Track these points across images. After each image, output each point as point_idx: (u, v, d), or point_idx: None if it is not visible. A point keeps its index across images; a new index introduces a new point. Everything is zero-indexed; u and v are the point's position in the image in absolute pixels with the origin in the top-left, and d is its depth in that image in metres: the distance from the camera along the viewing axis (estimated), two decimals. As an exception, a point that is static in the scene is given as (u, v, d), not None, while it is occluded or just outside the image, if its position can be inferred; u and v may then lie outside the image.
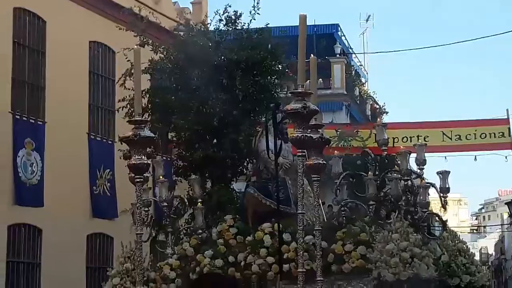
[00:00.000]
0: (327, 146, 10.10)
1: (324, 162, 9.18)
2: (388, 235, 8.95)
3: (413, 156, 12.13)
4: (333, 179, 11.04)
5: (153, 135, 7.54)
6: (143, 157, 7.56)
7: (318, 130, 7.10)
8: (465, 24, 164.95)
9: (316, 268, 7.82)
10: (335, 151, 11.62)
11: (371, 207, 10.22)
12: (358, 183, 11.11)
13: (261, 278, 10.13)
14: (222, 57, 15.54)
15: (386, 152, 11.19)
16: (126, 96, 16.36)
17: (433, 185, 11.65)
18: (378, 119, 12.21)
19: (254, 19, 16.17)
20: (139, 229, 8.29)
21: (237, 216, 11.71)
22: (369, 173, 10.37)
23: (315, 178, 8.37)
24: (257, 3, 16.19)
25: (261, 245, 10.45)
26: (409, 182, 10.59)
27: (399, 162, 11.34)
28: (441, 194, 11.68)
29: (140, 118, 7.42)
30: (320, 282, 7.78)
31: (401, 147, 12.24)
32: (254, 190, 11.36)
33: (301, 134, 7.20)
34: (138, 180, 7.81)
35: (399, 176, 10.31)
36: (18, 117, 18.61)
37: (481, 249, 64.28)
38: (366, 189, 10.31)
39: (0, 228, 17.58)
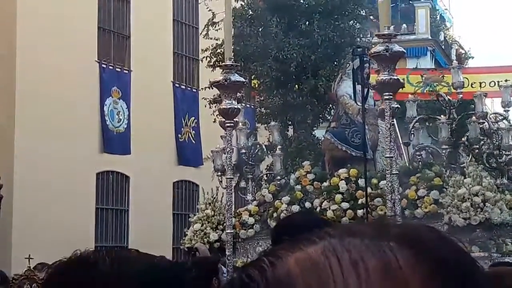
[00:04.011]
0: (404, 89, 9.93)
1: (398, 106, 9.09)
2: (460, 179, 8.75)
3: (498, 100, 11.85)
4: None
5: (243, 80, 7.53)
6: (233, 101, 7.59)
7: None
8: None
9: (396, 210, 7.77)
10: (409, 95, 11.37)
11: (444, 151, 10.02)
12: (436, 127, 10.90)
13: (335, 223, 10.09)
14: (302, 2, 15.39)
15: (462, 95, 10.90)
16: (209, 46, 16.46)
17: (517, 127, 11.33)
18: (454, 62, 11.80)
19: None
20: (229, 174, 8.37)
21: (314, 162, 11.68)
22: (442, 116, 10.14)
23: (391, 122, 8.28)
24: None
25: (336, 191, 10.40)
26: (486, 125, 10.30)
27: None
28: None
29: (230, 63, 7.44)
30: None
31: (472, 91, 11.86)
32: (331, 136, 11.26)
33: (387, 77, 7.09)
34: (229, 125, 7.87)
35: (474, 119, 10.05)
36: (104, 66, 18.93)
37: None
38: (439, 133, 10.10)
39: (89, 175, 18.03)
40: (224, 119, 7.98)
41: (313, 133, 15.92)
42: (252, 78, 16.73)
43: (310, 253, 0.77)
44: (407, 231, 0.79)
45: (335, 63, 15.16)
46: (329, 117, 15.20)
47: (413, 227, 0.81)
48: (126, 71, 19.44)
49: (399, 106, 9.58)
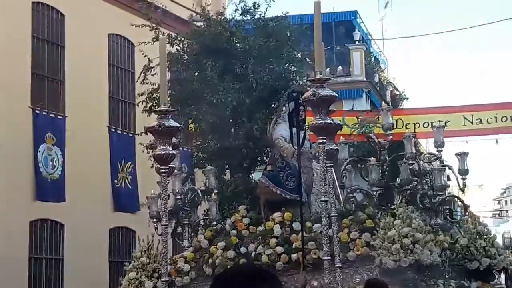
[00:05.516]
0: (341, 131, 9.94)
1: (337, 148, 9.09)
2: (390, 221, 8.76)
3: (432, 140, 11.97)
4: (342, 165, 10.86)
5: (178, 125, 7.43)
6: (168, 147, 7.46)
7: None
8: (486, 7, 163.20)
9: (336, 254, 7.70)
10: (341, 137, 11.43)
11: (374, 192, 10.05)
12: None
13: (270, 268, 10.00)
14: (237, 46, 15.42)
15: (391, 137, 10.99)
16: (145, 91, 16.34)
17: (449, 167, 11.44)
18: (383, 105, 11.91)
19: (270, 6, 16.05)
20: (164, 220, 8.20)
21: (249, 206, 11.60)
22: (372, 158, 10.20)
23: (328, 164, 8.27)
24: None
25: (271, 235, 10.32)
26: (415, 166, 10.38)
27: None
28: (460, 176, 11.45)
29: (165, 108, 7.33)
30: (339, 268, 7.65)
31: (405, 132, 11.97)
32: (266, 179, 11.22)
33: (319, 121, 7.07)
34: (163, 170, 7.73)
35: (404, 160, 10.12)
36: (38, 111, 18.60)
37: (503, 233, 63.53)
38: (369, 175, 10.14)
39: (22, 224, 17.58)
40: (159, 165, 7.85)
41: (251, 176, 15.84)
42: (190, 122, 16.63)
43: None
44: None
45: (272, 106, 15.16)
46: (267, 160, 15.17)
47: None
48: (61, 117, 19.13)
49: (338, 148, 9.58)
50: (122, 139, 20.78)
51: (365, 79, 29.69)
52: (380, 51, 34.91)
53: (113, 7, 21.01)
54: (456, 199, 13.07)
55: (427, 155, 12.41)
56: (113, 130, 20.70)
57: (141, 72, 16.56)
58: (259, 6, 16.18)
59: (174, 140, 8.67)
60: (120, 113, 21.16)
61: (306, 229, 9.73)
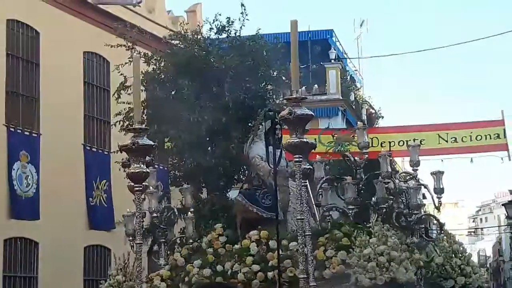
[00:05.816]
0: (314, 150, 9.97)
1: (311, 167, 9.14)
2: (366, 239, 8.82)
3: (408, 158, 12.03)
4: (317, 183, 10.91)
5: (152, 143, 7.43)
6: (141, 165, 7.45)
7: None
8: (461, 26, 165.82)
9: (311, 273, 7.73)
10: (317, 156, 11.49)
11: (350, 211, 10.11)
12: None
13: (246, 286, 10.03)
14: (213, 65, 15.44)
15: (367, 155, 11.06)
16: (122, 110, 16.30)
17: (425, 186, 11.50)
18: (358, 123, 11.99)
19: (244, 26, 16.09)
20: (139, 239, 8.17)
21: (226, 224, 11.61)
22: (348, 177, 10.28)
23: (303, 183, 8.30)
24: (244, 9, 16.09)
25: (247, 253, 10.34)
26: (391, 185, 10.46)
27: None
28: (435, 195, 11.53)
29: (139, 127, 7.33)
30: (314, 287, 7.67)
31: (381, 151, 12.03)
32: (242, 198, 11.27)
33: (296, 140, 7.12)
34: (137, 189, 7.71)
35: (380, 179, 10.19)
36: (12, 129, 18.51)
37: (479, 251, 63.81)
38: (345, 193, 10.23)
39: (-4, 242, 17.48)
40: (132, 183, 7.83)
41: (227, 195, 15.83)
42: (166, 141, 16.60)
43: None
44: None
45: (248, 124, 15.18)
46: (243, 179, 15.17)
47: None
48: (35, 135, 19.05)
49: (311, 167, 9.64)
50: (97, 157, 20.71)
51: (341, 97, 29.83)
52: (356, 70, 35.12)
53: (88, 25, 21.01)
54: (431, 217, 13.14)
55: (403, 174, 12.46)
56: (88, 148, 20.63)
57: (116, 90, 16.50)
58: (232, 22, 16.21)
59: (147, 158, 8.68)
60: (95, 130, 21.10)
61: (283, 247, 9.75)
